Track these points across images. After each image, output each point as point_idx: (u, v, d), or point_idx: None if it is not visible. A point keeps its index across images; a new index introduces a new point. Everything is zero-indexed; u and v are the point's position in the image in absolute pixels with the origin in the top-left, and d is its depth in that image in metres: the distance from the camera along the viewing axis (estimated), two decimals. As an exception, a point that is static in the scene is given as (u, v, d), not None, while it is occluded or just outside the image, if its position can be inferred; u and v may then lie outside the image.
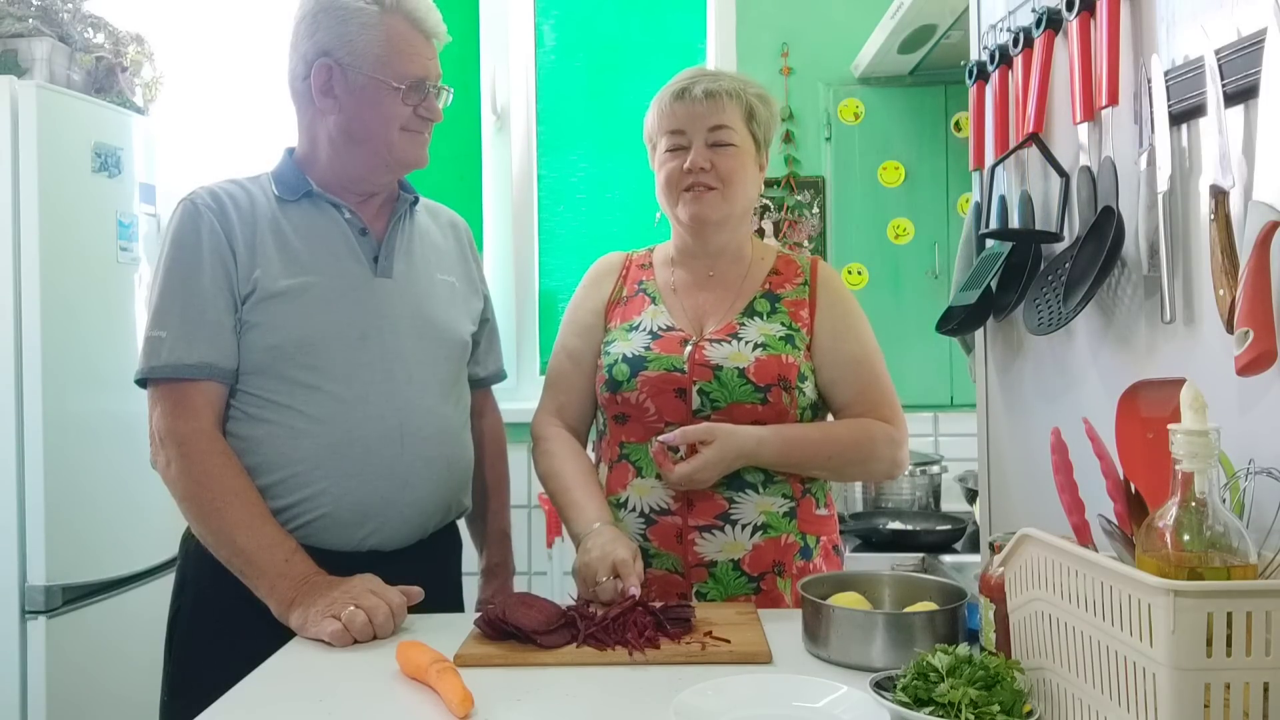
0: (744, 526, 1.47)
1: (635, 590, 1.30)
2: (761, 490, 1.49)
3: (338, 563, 1.37)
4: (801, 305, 1.56)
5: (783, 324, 1.53)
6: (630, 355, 1.52)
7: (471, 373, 1.65)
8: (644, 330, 1.55)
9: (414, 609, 1.34)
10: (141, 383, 1.43)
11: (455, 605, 1.60)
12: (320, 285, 1.43)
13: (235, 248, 1.42)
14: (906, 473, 2.65)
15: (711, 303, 1.57)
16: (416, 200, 1.60)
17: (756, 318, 1.54)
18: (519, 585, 1.79)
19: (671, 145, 1.53)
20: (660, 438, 1.45)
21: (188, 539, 1.45)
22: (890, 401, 1.56)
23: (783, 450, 1.46)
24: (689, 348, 1.50)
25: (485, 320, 1.68)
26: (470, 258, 1.68)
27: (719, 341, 1.51)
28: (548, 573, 2.81)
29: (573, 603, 1.34)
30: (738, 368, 1.47)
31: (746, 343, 1.50)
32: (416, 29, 1.46)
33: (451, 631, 1.26)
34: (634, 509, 1.50)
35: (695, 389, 1.48)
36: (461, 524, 1.66)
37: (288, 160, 1.53)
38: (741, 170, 1.52)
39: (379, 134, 1.46)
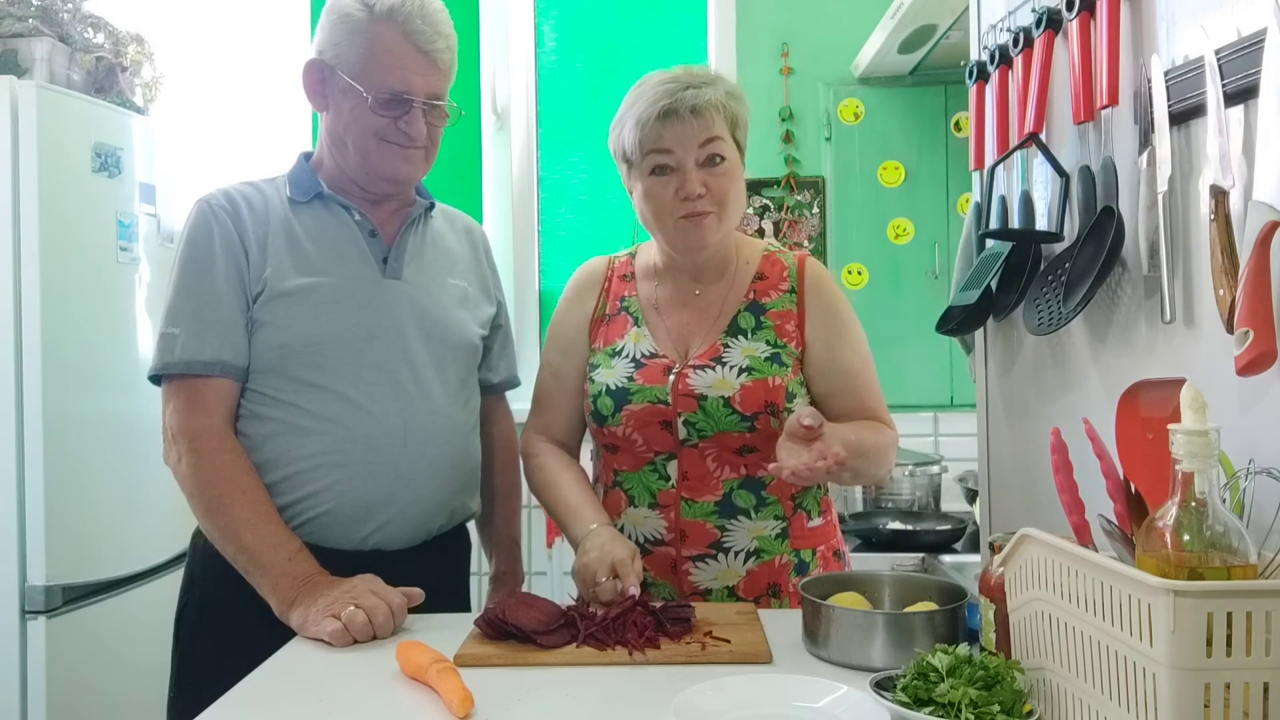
0: (737, 553, 1.46)
1: (635, 590, 1.30)
2: (753, 515, 1.46)
3: (341, 562, 1.37)
4: (789, 318, 1.50)
5: (768, 342, 1.48)
6: (614, 387, 1.49)
7: (484, 378, 1.65)
8: (627, 357, 1.51)
9: (417, 609, 1.34)
10: (155, 380, 1.44)
11: (462, 608, 1.60)
12: (328, 285, 1.44)
13: (248, 247, 1.43)
14: (907, 473, 2.66)
15: (695, 321, 1.52)
16: (432, 206, 1.60)
17: (741, 336, 1.49)
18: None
19: (657, 166, 1.43)
20: (802, 419, 1.27)
21: (198, 536, 1.46)
22: (883, 405, 1.53)
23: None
24: (672, 377, 1.47)
25: (498, 326, 1.67)
26: (485, 263, 1.67)
27: (703, 368, 1.46)
28: (548, 573, 2.81)
29: (573, 603, 1.34)
30: (722, 396, 1.44)
31: (731, 367, 1.46)
32: (409, 41, 1.42)
33: (451, 631, 1.26)
34: (629, 538, 1.47)
35: (680, 420, 1.46)
36: (472, 527, 1.66)
37: (302, 163, 1.54)
38: (734, 186, 1.46)
39: (355, 141, 1.45)
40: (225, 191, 1.48)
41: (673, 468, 1.47)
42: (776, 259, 1.55)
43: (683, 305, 1.53)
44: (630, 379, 1.49)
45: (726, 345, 1.48)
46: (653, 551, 1.48)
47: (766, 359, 1.46)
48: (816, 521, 1.53)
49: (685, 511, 1.46)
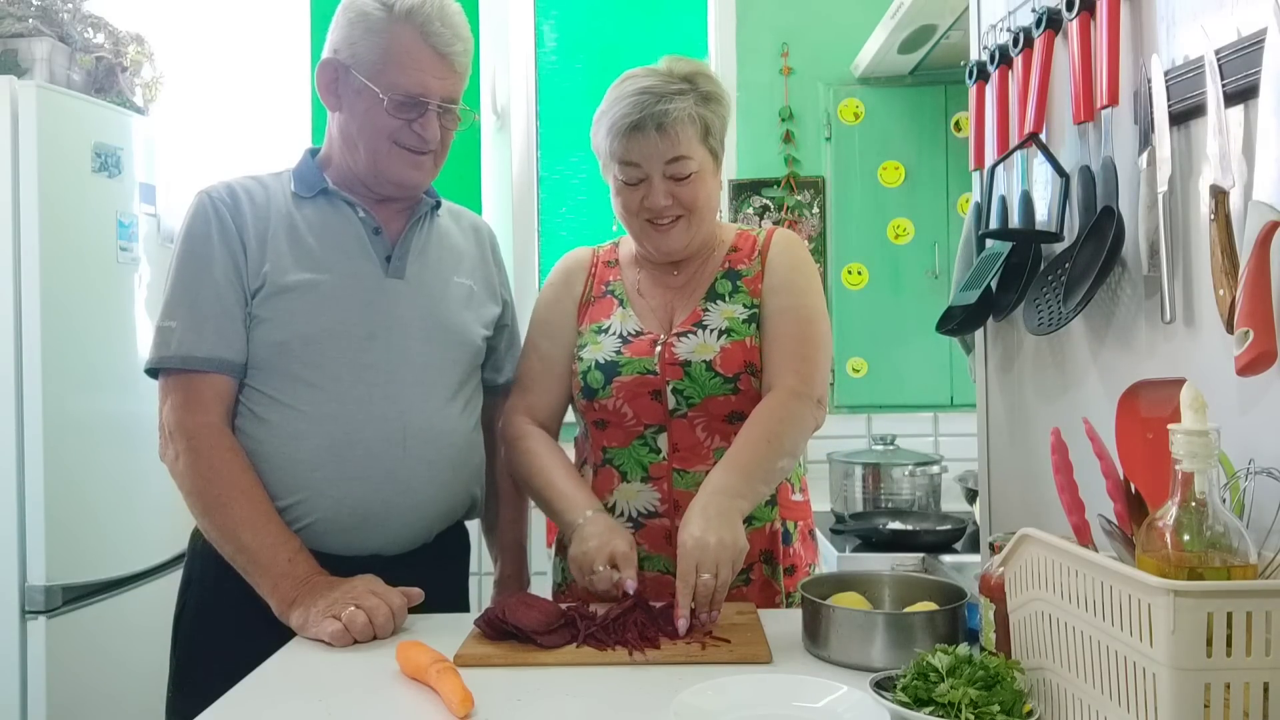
0: None
1: (632, 585, 1.29)
2: None
3: (339, 566, 1.36)
4: (757, 280, 1.53)
5: (744, 305, 1.51)
6: (603, 361, 1.50)
7: (489, 378, 1.64)
8: (614, 334, 1.53)
9: (417, 609, 1.34)
10: (153, 374, 1.43)
11: (461, 606, 1.59)
12: (329, 283, 1.42)
13: (246, 242, 1.42)
14: (907, 473, 2.65)
15: (676, 298, 1.55)
16: (439, 204, 1.59)
17: (719, 300, 1.52)
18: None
19: (627, 177, 1.47)
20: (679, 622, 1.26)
21: (196, 536, 1.45)
22: (806, 355, 1.46)
23: (747, 479, 1.37)
24: (659, 347, 1.49)
25: (504, 326, 1.66)
26: (492, 262, 1.66)
27: (686, 334, 1.49)
28: (548, 573, 2.80)
29: (573, 603, 1.34)
30: (705, 361, 1.46)
31: (712, 330, 1.49)
32: (426, 43, 1.41)
33: (451, 631, 1.26)
34: (621, 513, 1.49)
35: (669, 389, 1.47)
36: (471, 526, 1.65)
37: (308, 159, 1.53)
38: (704, 193, 1.48)
39: (368, 143, 1.44)
40: (227, 184, 1.47)
41: (663, 440, 1.49)
42: (749, 234, 1.60)
43: (665, 287, 1.57)
44: (618, 352, 1.51)
45: (706, 310, 1.52)
46: (646, 525, 1.48)
47: (744, 320, 1.50)
48: (798, 496, 1.57)
49: (678, 482, 1.47)
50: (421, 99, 1.42)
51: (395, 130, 1.43)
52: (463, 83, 1.48)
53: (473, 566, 1.67)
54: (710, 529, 1.28)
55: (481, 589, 1.74)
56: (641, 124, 1.42)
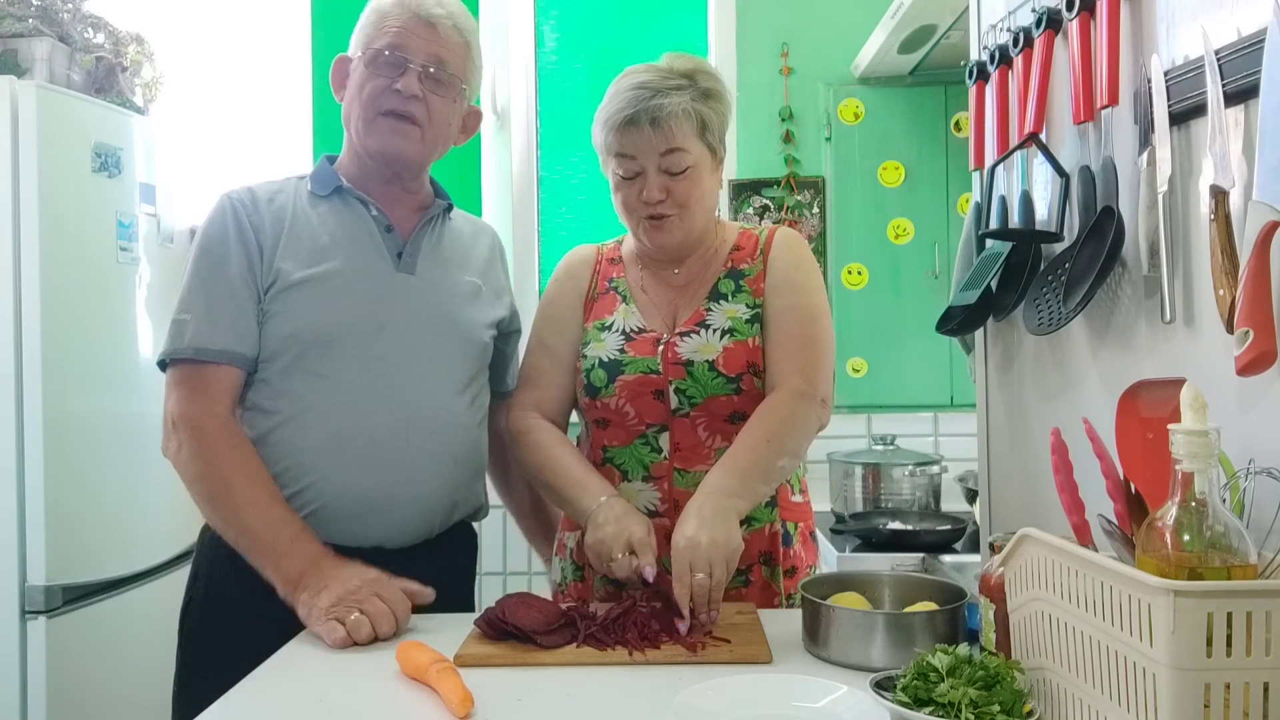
0: None
1: (650, 571, 1.29)
2: None
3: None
4: (760, 279, 1.53)
5: (747, 305, 1.51)
6: (606, 359, 1.51)
7: (504, 385, 1.65)
8: (616, 331, 1.53)
9: (420, 610, 1.34)
10: (163, 367, 1.45)
11: (465, 607, 1.59)
12: (341, 276, 1.45)
13: (262, 241, 1.45)
14: (907, 473, 2.65)
15: (679, 296, 1.56)
16: (450, 207, 1.61)
17: (722, 300, 1.52)
18: (518, 585, 1.78)
19: (624, 171, 1.48)
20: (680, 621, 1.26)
21: (205, 530, 1.47)
22: (809, 356, 1.47)
23: (745, 480, 1.38)
24: (661, 346, 1.50)
25: (516, 331, 1.68)
26: (499, 267, 1.68)
27: (689, 334, 1.50)
28: (547, 573, 2.80)
29: (573, 603, 1.33)
30: (708, 360, 1.47)
31: (715, 330, 1.49)
32: (410, 10, 1.47)
33: (452, 631, 1.26)
34: None
35: (672, 388, 1.48)
36: (478, 526, 1.65)
37: (325, 162, 1.57)
38: (699, 189, 1.48)
39: (360, 113, 1.48)
40: (248, 187, 1.51)
41: (664, 439, 1.49)
42: (752, 233, 1.61)
43: (667, 285, 1.57)
44: (622, 350, 1.51)
45: (709, 309, 1.52)
46: None
47: (747, 320, 1.50)
48: (798, 498, 1.57)
49: (678, 482, 1.47)
50: (399, 54, 1.45)
51: (379, 94, 1.46)
52: (451, 52, 1.52)
53: (482, 566, 1.67)
54: (703, 529, 1.28)
55: (483, 588, 1.74)
56: (636, 119, 1.43)
